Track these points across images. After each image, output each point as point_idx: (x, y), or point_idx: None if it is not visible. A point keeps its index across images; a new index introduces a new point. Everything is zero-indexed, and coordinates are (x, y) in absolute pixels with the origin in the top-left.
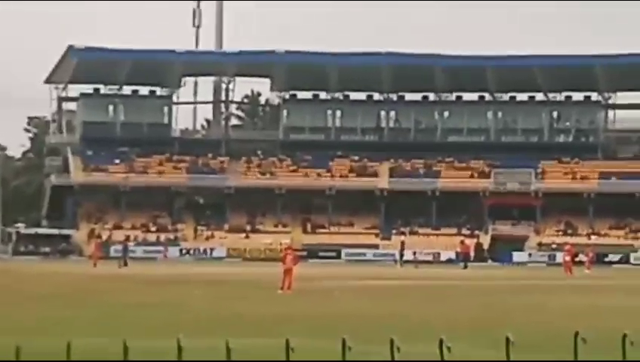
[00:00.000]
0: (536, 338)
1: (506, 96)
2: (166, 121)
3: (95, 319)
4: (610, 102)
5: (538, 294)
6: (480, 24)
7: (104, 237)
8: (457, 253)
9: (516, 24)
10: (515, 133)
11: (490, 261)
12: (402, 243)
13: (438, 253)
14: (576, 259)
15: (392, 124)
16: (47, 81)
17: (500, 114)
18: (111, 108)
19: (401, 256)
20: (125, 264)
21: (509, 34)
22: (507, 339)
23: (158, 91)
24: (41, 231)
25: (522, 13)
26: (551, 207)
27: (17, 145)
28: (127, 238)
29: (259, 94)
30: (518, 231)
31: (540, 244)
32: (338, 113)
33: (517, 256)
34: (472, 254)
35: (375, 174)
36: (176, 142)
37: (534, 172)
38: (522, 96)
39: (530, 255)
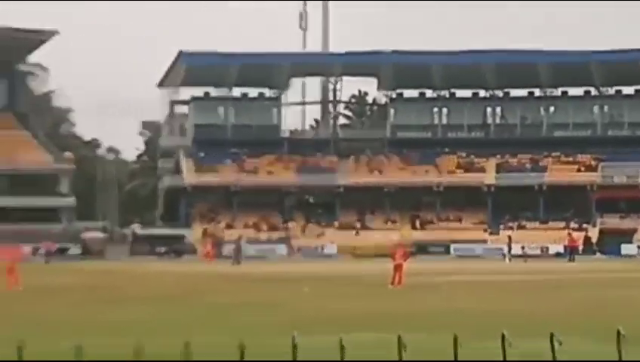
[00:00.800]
0: None
1: (611, 90)
2: (275, 121)
3: (209, 319)
4: None
5: None
6: (583, 19)
7: (218, 236)
8: (565, 247)
9: (622, 18)
10: (621, 126)
11: (598, 254)
12: (509, 237)
13: (547, 247)
14: None
15: (498, 120)
16: (160, 85)
17: (605, 108)
18: (221, 110)
19: (509, 250)
20: (238, 262)
21: (613, 27)
22: (618, 333)
23: (267, 93)
24: (156, 231)
25: (627, 6)
26: None
27: (132, 148)
28: (240, 237)
29: (366, 94)
30: (626, 224)
31: None
32: (444, 110)
33: (625, 249)
34: (580, 247)
35: (482, 170)
36: (286, 143)
37: None
38: (628, 90)
39: (638, 247)
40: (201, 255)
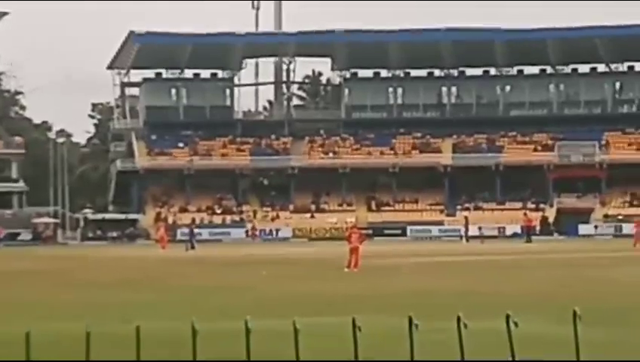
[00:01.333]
0: (605, 312)
1: (567, 69)
2: (228, 103)
3: (162, 303)
4: None
5: (605, 267)
6: None
7: (171, 221)
8: (522, 227)
9: None
10: (577, 105)
11: (555, 234)
12: (466, 218)
13: (504, 228)
14: None
15: (453, 100)
16: (110, 66)
17: (562, 86)
18: (173, 92)
19: (466, 231)
20: (192, 247)
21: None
22: (574, 313)
23: (220, 74)
24: (108, 216)
25: None
26: (616, 179)
27: (82, 131)
28: (193, 221)
29: (320, 74)
30: (584, 203)
31: (605, 216)
32: (399, 90)
33: (583, 229)
34: (537, 228)
35: (438, 150)
36: (239, 124)
37: (598, 144)
38: (584, 68)
39: (596, 227)
40: (155, 240)
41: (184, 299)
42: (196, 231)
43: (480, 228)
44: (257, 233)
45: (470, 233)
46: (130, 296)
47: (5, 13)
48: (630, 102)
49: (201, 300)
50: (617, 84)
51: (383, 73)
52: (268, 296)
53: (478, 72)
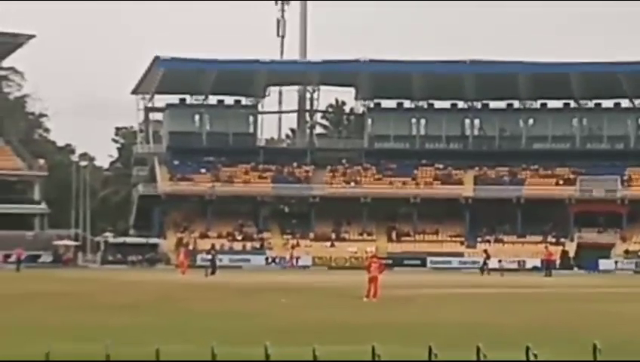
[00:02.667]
0: (623, 346)
1: (591, 103)
2: (251, 130)
3: (182, 327)
4: None
5: (625, 302)
6: (563, 31)
7: (191, 246)
8: (542, 261)
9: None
10: (600, 140)
11: (576, 269)
12: (486, 251)
13: (524, 261)
14: None
15: (476, 132)
16: (134, 91)
17: (585, 121)
18: (197, 118)
19: (485, 264)
20: (213, 273)
21: (593, 40)
22: (594, 347)
23: (244, 101)
24: (128, 240)
25: (606, 18)
26: (637, 214)
27: (105, 155)
28: (213, 246)
29: (343, 103)
30: (604, 238)
31: (626, 252)
32: (422, 121)
33: (603, 264)
34: (556, 262)
35: (460, 182)
36: (262, 152)
37: (620, 179)
38: (607, 103)
39: (616, 262)
40: (175, 264)
41: (203, 324)
42: (217, 257)
43: (500, 261)
44: (294, 260)
45: (490, 266)
46: (149, 320)
47: (32, 36)
48: None
49: (220, 325)
50: None
51: (406, 104)
52: (287, 324)
53: (502, 104)
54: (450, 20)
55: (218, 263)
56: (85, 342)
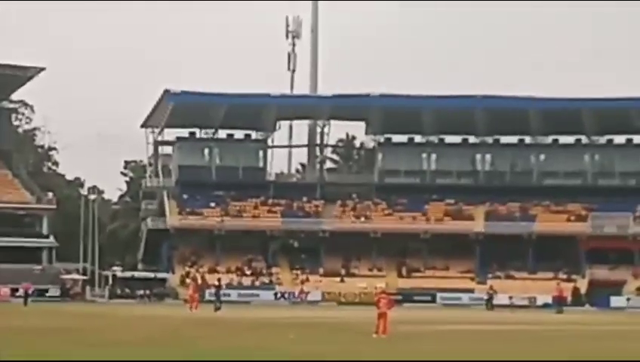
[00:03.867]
0: None
1: (602, 139)
2: (261, 164)
3: None
4: None
5: (637, 341)
6: (575, 66)
7: (200, 281)
8: (553, 298)
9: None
10: (612, 176)
11: (587, 305)
12: (491, 286)
13: (534, 298)
14: None
15: (487, 168)
16: (144, 125)
17: (596, 157)
18: (206, 151)
19: (489, 300)
20: (218, 308)
21: (605, 76)
22: None
23: (254, 135)
24: (137, 274)
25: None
26: None
27: (114, 189)
28: (219, 281)
29: (354, 138)
30: (616, 275)
31: (638, 289)
32: (433, 156)
33: (615, 301)
34: (568, 298)
35: (471, 218)
36: (272, 186)
37: (632, 215)
38: (619, 139)
39: (628, 299)
40: (184, 299)
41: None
42: (222, 291)
43: (511, 298)
44: (303, 295)
45: (501, 302)
46: (156, 357)
47: (42, 69)
48: None
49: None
50: None
51: (417, 139)
52: (294, 359)
53: (513, 140)
54: (462, 55)
55: (226, 298)
56: None
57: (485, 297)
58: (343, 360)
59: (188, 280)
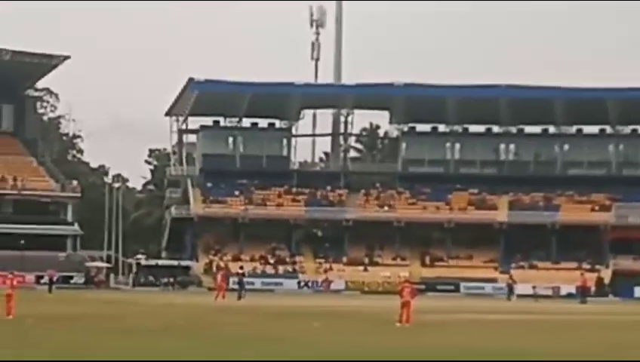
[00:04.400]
0: None
1: (627, 129)
2: (285, 153)
3: (218, 352)
4: None
5: None
6: (600, 56)
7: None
8: (577, 288)
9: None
10: (636, 166)
11: (611, 296)
12: (511, 276)
13: (558, 288)
14: None
15: (511, 157)
16: (168, 113)
17: (621, 147)
18: (230, 140)
19: (510, 289)
20: (242, 296)
21: (630, 65)
22: None
23: (277, 124)
24: (161, 262)
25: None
26: None
27: (138, 177)
28: (242, 269)
29: (377, 127)
30: None
31: None
32: (457, 146)
33: (639, 291)
34: (591, 288)
35: (494, 207)
36: (295, 175)
37: None
38: None
39: None
40: (208, 287)
41: (235, 349)
42: (246, 280)
43: (534, 287)
44: (327, 284)
45: (524, 292)
46: (179, 344)
47: (67, 57)
48: None
49: (251, 351)
50: None
51: (441, 128)
52: (318, 348)
53: (537, 129)
54: (486, 44)
55: (249, 287)
56: None
57: (506, 287)
58: (367, 348)
59: (216, 269)
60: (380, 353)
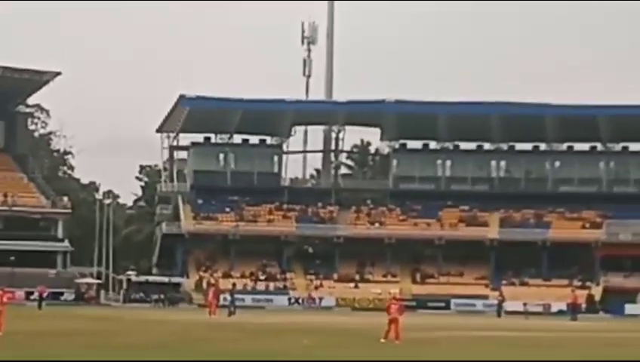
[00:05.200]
0: None
1: (618, 146)
2: (276, 170)
3: None
4: None
5: None
6: (591, 73)
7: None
8: (568, 305)
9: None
10: (627, 183)
11: (602, 313)
12: (501, 293)
13: (549, 305)
14: None
15: (502, 174)
16: (159, 130)
17: (612, 164)
18: (221, 157)
19: (500, 306)
20: (232, 313)
21: (621, 82)
22: None
23: (269, 140)
24: (151, 278)
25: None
26: None
27: (129, 193)
28: (234, 286)
29: (368, 143)
30: (631, 283)
31: None
32: (448, 163)
33: (629, 309)
34: (582, 306)
35: (485, 224)
36: (286, 191)
37: None
38: (635, 146)
39: None
40: (198, 304)
41: None
42: (236, 296)
43: (525, 304)
44: (311, 300)
45: (515, 309)
46: (169, 360)
47: (58, 74)
48: None
49: None
50: None
51: (432, 145)
52: None
53: (528, 146)
54: (477, 61)
55: (240, 303)
56: None
57: (496, 304)
58: None
59: (206, 286)
60: None
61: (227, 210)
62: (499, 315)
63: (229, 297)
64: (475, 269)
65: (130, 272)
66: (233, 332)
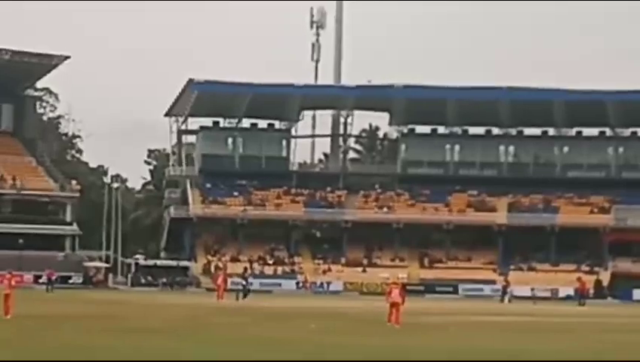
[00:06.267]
0: None
1: (627, 132)
2: (284, 154)
3: (215, 353)
4: None
5: None
6: (600, 58)
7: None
8: (576, 290)
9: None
10: (636, 168)
11: (609, 298)
12: (506, 278)
13: (557, 290)
14: None
15: (511, 159)
16: (168, 114)
17: (620, 149)
18: (230, 141)
19: (504, 291)
20: (245, 296)
21: (630, 68)
22: None
23: (277, 125)
24: (159, 262)
25: None
26: None
27: (138, 177)
28: (246, 270)
29: (377, 128)
30: (639, 268)
31: None
32: (457, 147)
33: (637, 294)
34: (590, 291)
35: (493, 209)
36: (295, 176)
37: None
38: None
39: None
40: (206, 288)
41: (231, 349)
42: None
43: (532, 289)
44: (308, 284)
45: (523, 294)
46: (177, 345)
47: (67, 57)
48: None
49: (246, 352)
50: None
51: (441, 130)
52: (314, 350)
53: (537, 131)
54: (486, 46)
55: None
56: None
57: (501, 289)
58: (362, 349)
59: (214, 270)
60: (375, 354)
61: (235, 194)
62: (502, 300)
63: (243, 281)
64: (483, 254)
65: (138, 256)
66: (240, 317)
